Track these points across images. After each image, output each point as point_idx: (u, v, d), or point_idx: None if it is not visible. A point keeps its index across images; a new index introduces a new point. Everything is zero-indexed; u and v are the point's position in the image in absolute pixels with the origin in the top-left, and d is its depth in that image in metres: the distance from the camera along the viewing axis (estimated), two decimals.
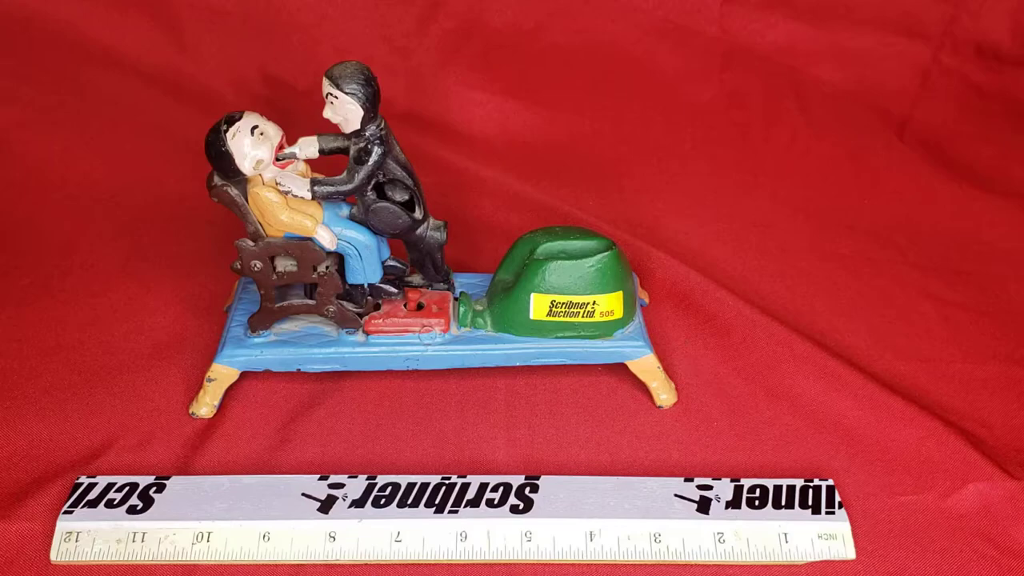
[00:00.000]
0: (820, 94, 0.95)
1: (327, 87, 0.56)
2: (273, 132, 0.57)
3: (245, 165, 0.57)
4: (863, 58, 0.95)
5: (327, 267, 0.61)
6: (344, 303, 0.63)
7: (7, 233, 0.77)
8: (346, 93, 0.56)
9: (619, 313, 0.63)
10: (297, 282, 0.62)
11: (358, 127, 0.57)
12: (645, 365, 0.64)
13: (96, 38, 0.88)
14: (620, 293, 0.63)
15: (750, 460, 0.61)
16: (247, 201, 0.58)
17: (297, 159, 0.59)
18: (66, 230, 0.78)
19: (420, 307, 0.64)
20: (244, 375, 0.63)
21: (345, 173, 0.59)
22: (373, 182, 0.59)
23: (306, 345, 0.63)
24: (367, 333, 0.63)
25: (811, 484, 0.58)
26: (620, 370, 0.64)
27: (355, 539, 0.54)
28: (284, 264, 0.61)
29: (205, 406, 0.62)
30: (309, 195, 0.58)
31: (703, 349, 0.69)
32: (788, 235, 0.81)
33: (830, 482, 0.58)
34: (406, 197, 0.61)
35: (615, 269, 0.62)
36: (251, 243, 0.60)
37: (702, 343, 0.69)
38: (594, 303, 0.62)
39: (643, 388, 0.65)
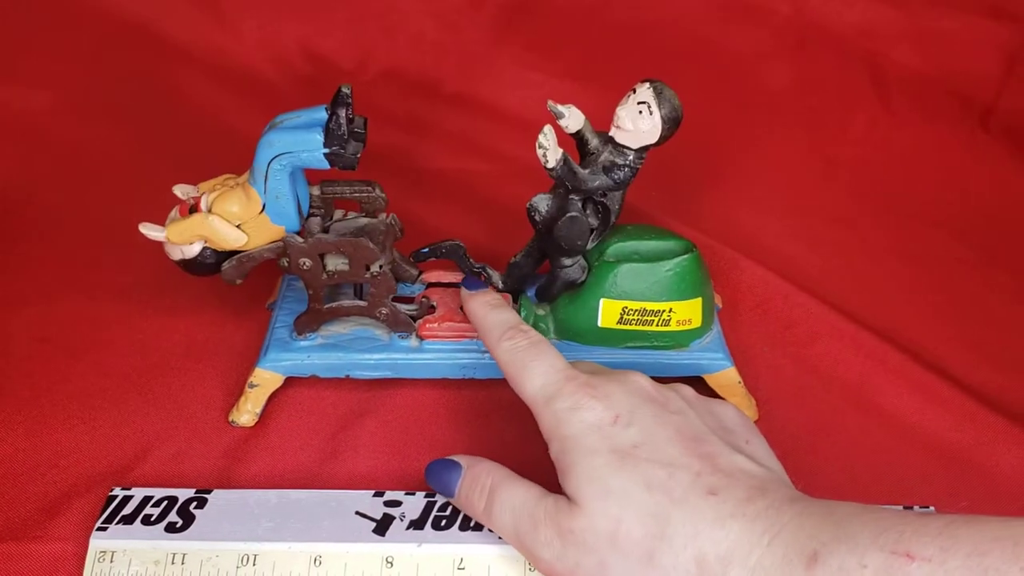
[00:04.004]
0: (899, 80, 0.88)
1: (647, 94, 0.52)
2: None
3: None
4: (945, 41, 0.88)
5: (380, 266, 0.56)
6: (398, 305, 0.58)
7: (37, 222, 0.73)
8: (662, 116, 0.52)
9: (697, 322, 0.58)
10: (348, 282, 0.57)
11: (634, 146, 0.53)
12: (724, 380, 0.58)
13: (130, 14, 0.84)
14: (699, 300, 0.57)
15: (840, 483, 0.55)
16: None
17: (562, 121, 0.54)
18: (99, 220, 0.73)
19: None
20: (287, 381, 0.58)
21: (590, 168, 0.54)
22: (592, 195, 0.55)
23: (356, 350, 0.58)
24: (421, 338, 0.58)
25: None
26: (695, 384, 0.59)
27: (414, 566, 0.50)
28: (335, 263, 0.56)
29: (246, 414, 0.58)
30: (560, 159, 0.53)
31: (784, 360, 0.63)
32: (869, 233, 0.76)
33: (931, 510, 0.53)
34: (595, 225, 0.57)
35: (695, 273, 0.57)
36: (300, 239, 0.55)
37: (782, 353, 0.64)
38: (670, 311, 0.57)
39: None
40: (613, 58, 0.87)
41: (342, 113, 0.52)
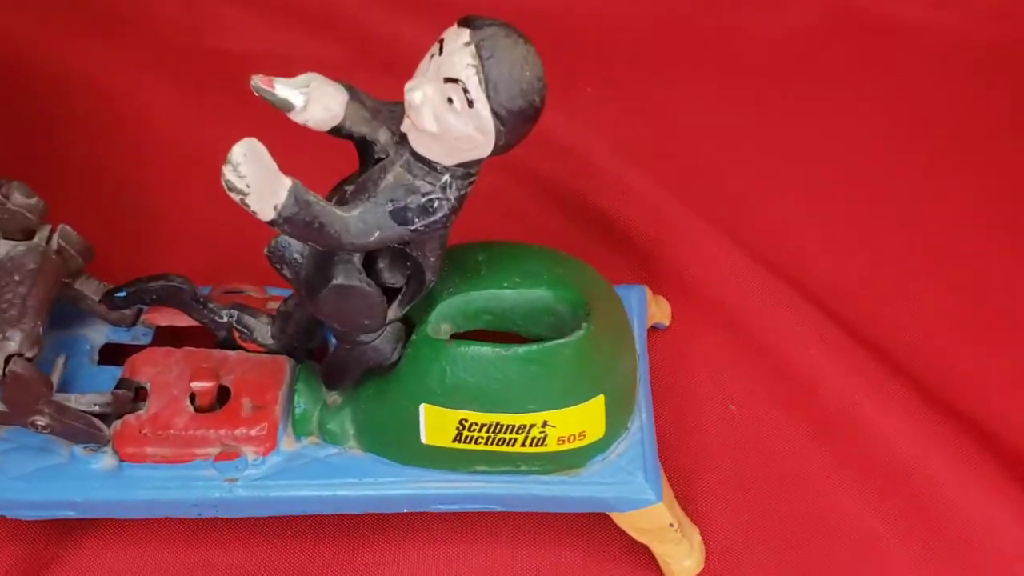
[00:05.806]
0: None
1: (464, 69, 0.25)
2: None
3: None
4: None
5: (15, 359, 0.30)
6: (69, 400, 0.33)
7: None
8: (494, 110, 0.25)
9: (597, 432, 0.32)
10: None
11: (447, 162, 0.27)
12: (648, 522, 0.33)
13: None
14: (600, 399, 0.32)
15: None
16: None
17: (294, 113, 0.27)
18: None
19: (223, 398, 0.34)
20: None
21: (361, 204, 0.27)
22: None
23: (11, 474, 0.33)
24: (120, 457, 0.33)
25: None
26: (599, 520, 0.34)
27: None
28: None
29: None
30: (285, 201, 0.26)
31: (760, 427, 0.38)
32: (937, 215, 0.47)
33: None
34: (397, 285, 0.30)
35: (591, 360, 0.31)
36: None
37: (758, 413, 0.39)
38: (545, 424, 0.31)
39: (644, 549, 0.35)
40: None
41: None
